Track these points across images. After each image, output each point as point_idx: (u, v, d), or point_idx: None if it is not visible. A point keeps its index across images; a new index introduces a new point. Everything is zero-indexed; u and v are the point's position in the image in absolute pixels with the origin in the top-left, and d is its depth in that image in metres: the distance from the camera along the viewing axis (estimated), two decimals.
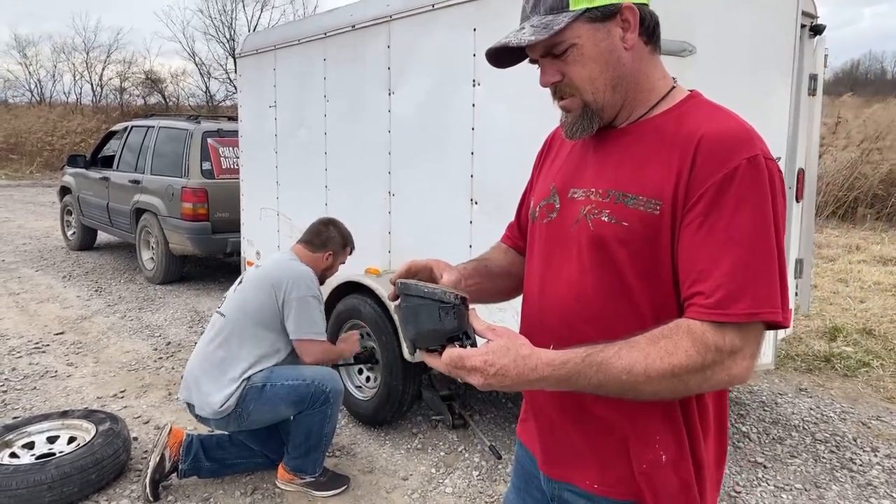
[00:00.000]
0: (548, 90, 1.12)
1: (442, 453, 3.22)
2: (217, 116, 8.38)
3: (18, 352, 4.63)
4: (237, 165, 5.84)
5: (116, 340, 4.92)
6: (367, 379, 3.52)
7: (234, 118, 6.42)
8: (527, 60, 1.13)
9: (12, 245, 8.75)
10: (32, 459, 2.80)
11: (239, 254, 5.65)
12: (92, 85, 28.27)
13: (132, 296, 6.27)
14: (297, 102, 4.27)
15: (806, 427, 3.54)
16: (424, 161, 3.27)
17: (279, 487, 2.87)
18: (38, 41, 47.04)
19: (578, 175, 1.14)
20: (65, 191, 8.73)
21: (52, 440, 2.99)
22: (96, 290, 6.43)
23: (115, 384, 4.08)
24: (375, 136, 3.54)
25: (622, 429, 1.08)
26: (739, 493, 2.88)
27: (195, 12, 38.18)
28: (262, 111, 4.68)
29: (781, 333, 3.62)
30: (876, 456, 3.24)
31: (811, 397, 3.94)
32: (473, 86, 2.93)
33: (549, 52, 1.07)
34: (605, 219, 1.05)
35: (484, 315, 1.05)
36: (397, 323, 2.99)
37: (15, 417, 3.51)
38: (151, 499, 2.72)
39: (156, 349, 4.73)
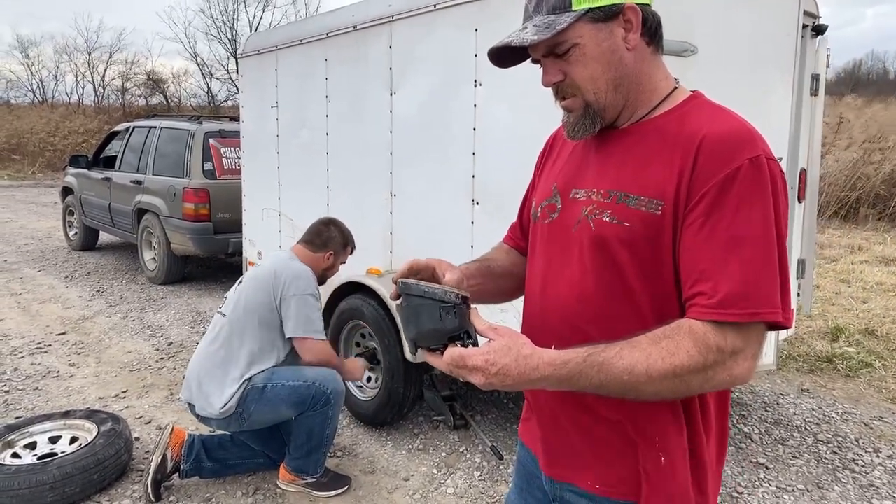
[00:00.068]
0: (549, 90, 1.12)
1: (443, 454, 3.22)
2: (219, 117, 8.40)
3: (20, 352, 4.63)
4: (239, 166, 5.85)
5: (118, 341, 4.93)
6: (368, 379, 3.52)
7: (235, 118, 6.43)
8: (529, 60, 1.13)
9: (14, 245, 8.76)
10: (34, 459, 2.80)
11: (241, 254, 5.66)
12: (94, 85, 28.38)
13: (134, 296, 6.28)
14: (298, 103, 4.28)
15: (808, 428, 3.54)
16: (426, 161, 3.27)
17: (281, 488, 2.87)
18: (40, 41, 47.24)
19: (580, 175, 1.14)
20: (67, 191, 8.75)
21: (54, 440, 2.99)
22: (98, 291, 6.44)
23: (116, 384, 4.08)
24: (377, 137, 3.54)
25: (624, 429, 1.08)
26: (741, 493, 2.88)
27: (197, 13, 38.33)
28: (263, 111, 4.68)
29: (783, 334, 3.61)
30: (878, 457, 3.23)
31: (813, 398, 3.94)
32: (475, 86, 2.93)
33: (551, 52, 1.07)
34: (607, 219, 1.05)
35: (485, 315, 1.05)
36: (399, 323, 3.00)
37: (17, 417, 3.52)
38: (153, 499, 2.72)
39: (157, 349, 4.74)
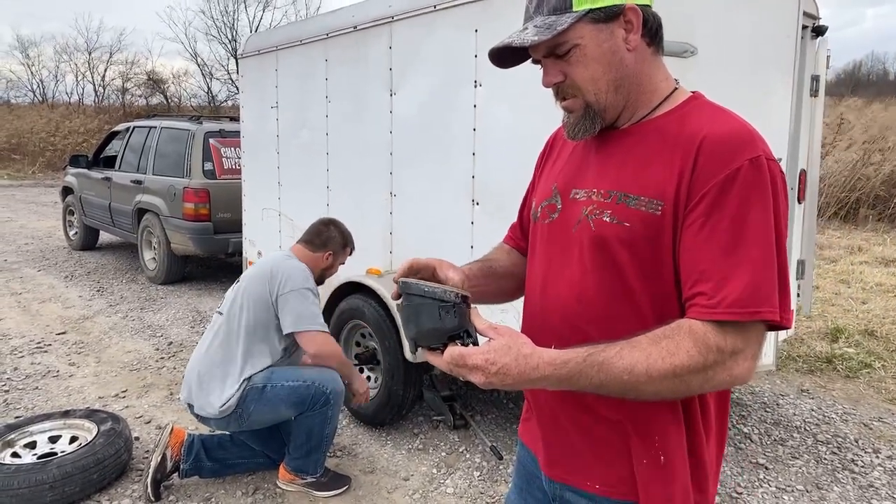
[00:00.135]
0: (550, 91, 1.12)
1: (443, 454, 3.22)
2: (219, 117, 8.40)
3: (20, 351, 4.63)
4: (239, 166, 5.86)
5: (118, 340, 4.93)
6: (368, 379, 3.52)
7: (235, 119, 6.44)
8: (529, 61, 1.13)
9: (14, 245, 8.76)
10: (34, 459, 2.80)
11: (241, 254, 5.66)
12: (94, 85, 28.36)
13: (134, 296, 6.28)
14: (298, 103, 4.28)
15: (807, 428, 3.54)
16: (426, 162, 3.27)
17: (280, 488, 2.87)
18: (40, 42, 47.26)
19: (580, 176, 1.14)
20: (67, 191, 8.75)
21: (53, 440, 2.99)
22: (98, 290, 6.44)
23: (116, 384, 4.08)
24: (377, 137, 3.54)
25: (624, 429, 1.08)
26: (741, 494, 2.88)
27: (197, 13, 38.30)
28: (263, 112, 4.68)
29: (783, 334, 3.62)
30: (878, 457, 3.23)
31: (813, 398, 3.94)
32: (475, 86, 2.93)
33: (551, 53, 1.07)
34: (607, 219, 1.05)
35: (486, 315, 1.05)
36: (399, 322, 3.00)
37: (17, 417, 3.52)
38: (153, 498, 2.72)
39: (157, 349, 4.74)
